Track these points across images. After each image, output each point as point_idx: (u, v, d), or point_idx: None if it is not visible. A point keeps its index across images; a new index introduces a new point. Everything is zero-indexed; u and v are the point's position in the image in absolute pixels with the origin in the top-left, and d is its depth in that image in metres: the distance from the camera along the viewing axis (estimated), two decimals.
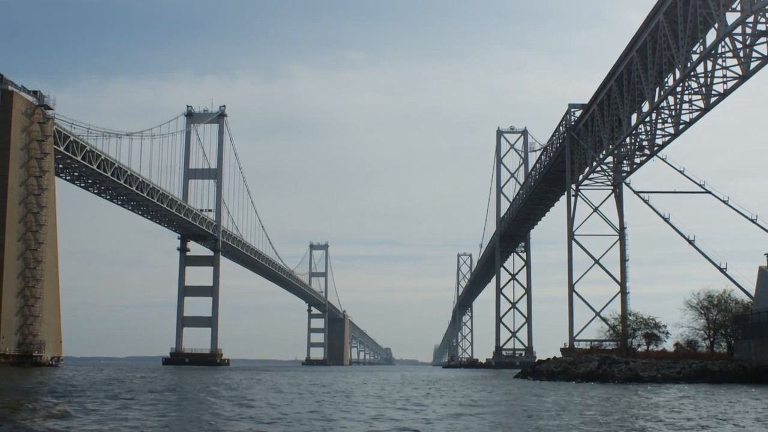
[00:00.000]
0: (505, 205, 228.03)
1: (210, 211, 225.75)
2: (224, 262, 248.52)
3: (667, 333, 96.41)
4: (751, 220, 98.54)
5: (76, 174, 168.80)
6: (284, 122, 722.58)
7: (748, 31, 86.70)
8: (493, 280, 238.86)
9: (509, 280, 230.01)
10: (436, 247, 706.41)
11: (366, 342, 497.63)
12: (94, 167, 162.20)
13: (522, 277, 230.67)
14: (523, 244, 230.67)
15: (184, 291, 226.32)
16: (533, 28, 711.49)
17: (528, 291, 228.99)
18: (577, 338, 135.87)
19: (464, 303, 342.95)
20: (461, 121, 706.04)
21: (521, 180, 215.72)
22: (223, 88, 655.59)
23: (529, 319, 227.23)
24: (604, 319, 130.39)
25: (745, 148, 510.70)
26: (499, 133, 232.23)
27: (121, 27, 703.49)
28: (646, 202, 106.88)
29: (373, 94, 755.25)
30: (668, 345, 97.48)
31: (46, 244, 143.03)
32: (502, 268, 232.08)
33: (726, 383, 69.05)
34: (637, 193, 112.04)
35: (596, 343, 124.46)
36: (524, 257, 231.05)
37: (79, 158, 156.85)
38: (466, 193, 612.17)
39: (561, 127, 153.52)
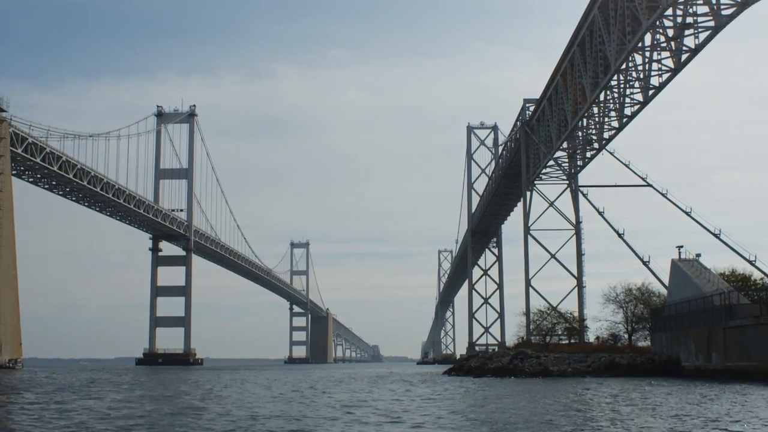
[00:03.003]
0: (476, 202, 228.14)
1: (182, 210, 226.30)
2: (202, 263, 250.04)
3: (587, 327, 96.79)
4: (686, 213, 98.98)
5: (38, 176, 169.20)
6: (269, 121, 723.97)
7: (678, 22, 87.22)
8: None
9: (481, 276, 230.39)
10: (423, 244, 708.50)
11: (352, 340, 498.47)
12: (55, 168, 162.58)
13: (494, 272, 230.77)
14: (495, 239, 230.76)
15: (157, 291, 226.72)
16: (516, 25, 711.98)
17: (500, 286, 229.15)
18: (533, 333, 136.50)
19: (445, 299, 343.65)
20: (446, 117, 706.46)
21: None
22: (207, 88, 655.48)
23: (501, 315, 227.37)
24: (562, 314, 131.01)
25: (726, 142, 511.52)
26: (470, 129, 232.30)
27: (105, 28, 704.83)
28: (584, 196, 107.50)
29: (357, 92, 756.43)
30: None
31: (3, 247, 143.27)
32: (475, 264, 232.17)
33: (634, 376, 69.56)
34: (577, 187, 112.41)
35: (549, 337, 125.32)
36: (496, 253, 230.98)
37: (38, 160, 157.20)
38: (450, 190, 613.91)
39: (518, 122, 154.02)
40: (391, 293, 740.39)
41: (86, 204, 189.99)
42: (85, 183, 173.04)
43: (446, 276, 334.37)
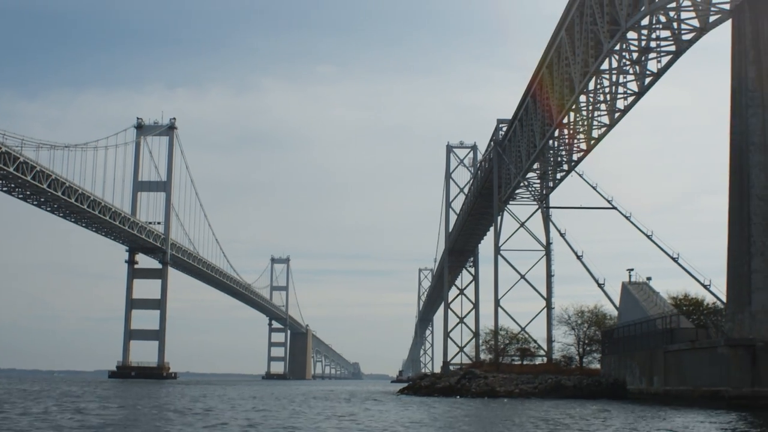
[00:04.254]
0: (454, 221, 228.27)
1: (159, 223, 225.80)
2: (182, 277, 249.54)
3: (538, 348, 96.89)
4: (647, 236, 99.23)
5: (12, 185, 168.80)
6: (254, 135, 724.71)
7: (640, 46, 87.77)
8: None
9: (457, 295, 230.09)
10: (404, 262, 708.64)
11: (332, 356, 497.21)
12: (28, 178, 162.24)
13: (471, 292, 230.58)
14: (472, 259, 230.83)
15: (132, 304, 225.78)
16: (501, 44, 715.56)
17: (476, 306, 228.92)
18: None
19: (424, 318, 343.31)
20: (429, 136, 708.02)
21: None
22: (194, 101, 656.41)
23: (477, 334, 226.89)
24: (528, 333, 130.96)
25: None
26: (449, 148, 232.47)
27: (93, 39, 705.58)
28: (548, 217, 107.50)
29: (343, 109, 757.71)
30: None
31: None
32: (449, 283, 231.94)
33: (580, 398, 69.60)
34: (542, 208, 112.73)
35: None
36: (472, 272, 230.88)
37: (11, 169, 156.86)
38: (431, 208, 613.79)
39: (492, 143, 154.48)
40: (373, 311, 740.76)
41: (61, 215, 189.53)
42: (59, 194, 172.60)
43: (425, 294, 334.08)
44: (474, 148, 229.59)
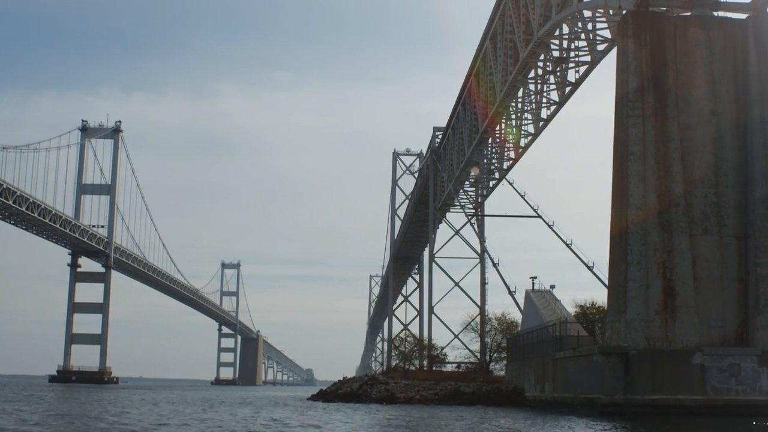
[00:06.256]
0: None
1: (103, 227, 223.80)
2: (130, 281, 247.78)
3: (445, 355, 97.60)
4: (567, 245, 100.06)
5: None
6: (210, 140, 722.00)
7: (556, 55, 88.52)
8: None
9: (401, 302, 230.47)
10: (357, 269, 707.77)
11: (284, 362, 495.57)
12: None
13: (415, 299, 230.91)
14: (417, 266, 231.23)
15: (74, 307, 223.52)
16: (456, 53, 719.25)
17: (420, 313, 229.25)
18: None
19: (375, 325, 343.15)
20: (384, 143, 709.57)
21: None
22: (150, 105, 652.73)
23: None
24: (462, 341, 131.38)
25: None
26: (395, 155, 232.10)
27: (48, 41, 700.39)
28: (471, 225, 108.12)
29: (299, 115, 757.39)
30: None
31: None
32: (395, 290, 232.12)
33: (478, 405, 69.93)
34: (467, 216, 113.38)
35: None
36: (417, 279, 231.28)
37: None
38: (385, 216, 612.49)
39: (429, 150, 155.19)
40: (327, 317, 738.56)
41: (0, 217, 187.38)
42: None
43: (375, 302, 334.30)
44: (420, 155, 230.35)
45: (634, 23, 56.55)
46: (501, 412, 59.51)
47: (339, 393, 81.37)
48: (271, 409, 66.03)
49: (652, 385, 50.97)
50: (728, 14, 58.92)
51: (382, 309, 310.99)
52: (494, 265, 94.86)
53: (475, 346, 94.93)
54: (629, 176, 54.07)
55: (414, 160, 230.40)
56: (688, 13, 58.16)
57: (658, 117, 55.11)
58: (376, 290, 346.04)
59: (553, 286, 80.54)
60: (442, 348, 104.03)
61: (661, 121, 55.08)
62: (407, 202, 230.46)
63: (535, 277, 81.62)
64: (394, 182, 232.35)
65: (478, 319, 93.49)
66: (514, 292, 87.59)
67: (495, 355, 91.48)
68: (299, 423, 47.35)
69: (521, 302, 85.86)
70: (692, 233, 54.41)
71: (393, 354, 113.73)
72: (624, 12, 58.68)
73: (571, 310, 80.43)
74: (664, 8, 58.66)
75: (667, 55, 56.37)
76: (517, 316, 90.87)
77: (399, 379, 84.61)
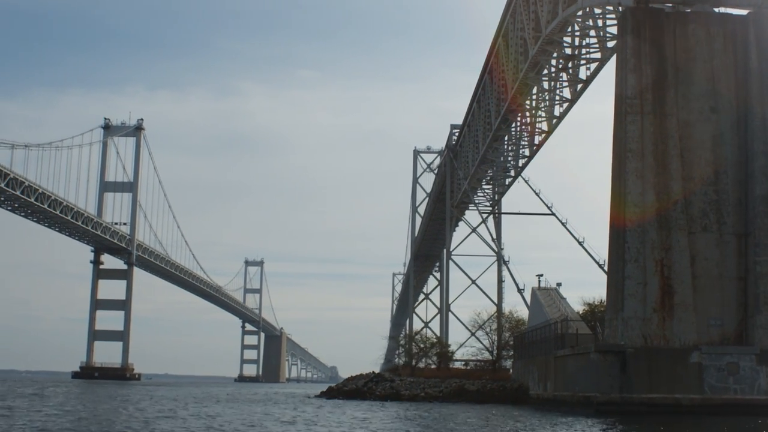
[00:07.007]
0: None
1: (125, 224, 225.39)
2: (154, 279, 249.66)
3: (448, 352, 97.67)
4: (579, 243, 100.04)
5: None
6: (234, 139, 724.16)
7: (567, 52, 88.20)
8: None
9: (422, 300, 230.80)
10: (383, 266, 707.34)
11: (308, 360, 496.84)
12: None
13: (436, 296, 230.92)
14: (438, 264, 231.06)
15: (96, 304, 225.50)
16: (479, 52, 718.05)
17: (441, 311, 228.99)
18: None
19: (397, 322, 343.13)
20: (409, 141, 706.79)
21: None
22: (175, 103, 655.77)
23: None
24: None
25: None
26: (416, 153, 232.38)
27: (74, 40, 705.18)
28: (483, 221, 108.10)
29: (323, 113, 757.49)
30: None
31: None
32: (416, 288, 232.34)
33: (482, 403, 69.83)
34: (481, 214, 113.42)
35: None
36: (438, 276, 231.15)
37: None
38: (407, 213, 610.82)
39: (446, 148, 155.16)
40: (350, 314, 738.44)
41: (23, 214, 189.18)
42: (17, 192, 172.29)
43: (398, 299, 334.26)
44: (441, 153, 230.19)
45: (632, 19, 56.20)
46: (495, 409, 59.41)
47: (344, 390, 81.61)
48: (262, 406, 65.87)
49: (649, 384, 50.67)
50: (729, 10, 58.38)
51: (404, 307, 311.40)
52: (504, 262, 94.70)
53: (482, 344, 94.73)
54: (627, 174, 53.77)
55: (435, 158, 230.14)
56: (688, 10, 57.66)
57: (657, 114, 54.76)
58: (399, 288, 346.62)
59: (559, 284, 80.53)
60: (459, 346, 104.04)
61: (660, 119, 54.72)
62: (427, 199, 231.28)
63: (542, 275, 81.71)
64: (415, 180, 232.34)
65: (485, 317, 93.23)
66: (523, 289, 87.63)
67: (503, 352, 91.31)
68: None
69: (529, 300, 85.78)
70: (691, 231, 54.02)
71: (398, 351, 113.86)
72: (623, 8, 58.35)
73: (580, 308, 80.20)
74: (665, 4, 58.24)
75: (666, 52, 55.97)
76: (526, 313, 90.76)
77: (406, 376, 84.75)
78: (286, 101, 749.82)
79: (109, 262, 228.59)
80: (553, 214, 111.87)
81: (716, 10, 58.20)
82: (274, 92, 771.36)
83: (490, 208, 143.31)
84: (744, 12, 58.23)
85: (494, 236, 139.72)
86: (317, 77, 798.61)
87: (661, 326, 52.31)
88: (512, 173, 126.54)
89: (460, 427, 43.49)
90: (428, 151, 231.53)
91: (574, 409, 54.39)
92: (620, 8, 58.95)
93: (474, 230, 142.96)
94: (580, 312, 76.85)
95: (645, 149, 54.01)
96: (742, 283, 53.99)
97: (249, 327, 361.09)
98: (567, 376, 58.16)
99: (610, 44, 79.80)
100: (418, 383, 77.14)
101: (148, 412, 50.88)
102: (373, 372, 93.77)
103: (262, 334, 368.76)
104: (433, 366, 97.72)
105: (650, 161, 54.05)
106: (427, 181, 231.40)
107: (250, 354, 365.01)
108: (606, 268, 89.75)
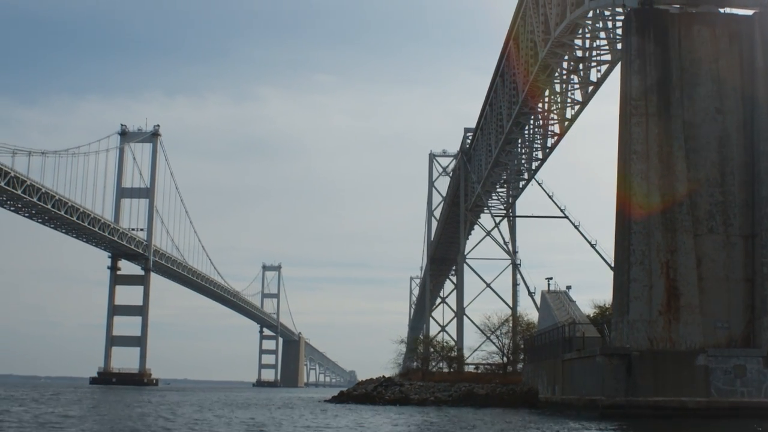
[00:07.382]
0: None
1: (142, 230, 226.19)
2: (172, 284, 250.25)
3: (463, 356, 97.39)
4: (591, 246, 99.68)
5: None
6: (252, 143, 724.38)
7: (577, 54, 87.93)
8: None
9: (439, 303, 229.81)
10: (400, 270, 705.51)
11: (326, 364, 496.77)
12: (2, 184, 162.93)
13: (452, 300, 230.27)
14: (454, 267, 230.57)
15: (114, 310, 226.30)
16: (496, 56, 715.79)
17: (457, 314, 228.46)
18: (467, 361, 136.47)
19: (415, 326, 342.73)
20: (426, 145, 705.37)
21: None
22: (193, 109, 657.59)
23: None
24: (494, 342, 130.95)
25: None
26: (432, 157, 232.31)
27: (92, 46, 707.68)
28: (497, 225, 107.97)
29: (341, 118, 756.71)
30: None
31: None
32: (433, 292, 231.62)
33: (491, 406, 69.60)
34: (494, 218, 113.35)
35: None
36: (454, 280, 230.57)
37: None
38: (423, 217, 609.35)
39: (460, 152, 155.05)
40: (369, 318, 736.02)
41: (40, 221, 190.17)
42: (34, 199, 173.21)
43: (415, 303, 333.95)
44: (456, 156, 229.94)
45: (637, 20, 55.96)
46: (502, 414, 59.13)
47: (354, 395, 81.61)
48: (270, 411, 65.81)
49: (655, 387, 50.31)
50: (734, 11, 58.00)
51: (421, 311, 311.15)
52: (516, 266, 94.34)
53: (492, 347, 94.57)
54: (632, 175, 53.50)
55: (450, 162, 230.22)
56: (694, 10, 57.30)
57: (662, 115, 54.47)
58: (417, 292, 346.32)
59: (569, 287, 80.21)
60: (473, 351, 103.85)
61: (665, 120, 54.42)
62: (443, 203, 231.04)
63: (551, 278, 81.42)
64: (431, 183, 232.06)
65: (496, 320, 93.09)
66: (534, 293, 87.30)
67: (513, 356, 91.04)
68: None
69: (539, 303, 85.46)
70: (697, 233, 53.64)
71: (410, 356, 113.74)
72: (627, 9, 58.07)
73: (590, 311, 79.83)
74: (670, 5, 57.90)
75: (671, 53, 55.67)
76: (537, 317, 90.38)
77: (417, 380, 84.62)
78: (304, 105, 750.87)
79: (127, 267, 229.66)
80: (566, 216, 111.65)
81: (721, 10, 57.85)
82: (291, 97, 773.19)
83: (504, 212, 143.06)
84: (750, 12, 57.84)
85: (507, 239, 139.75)
86: (335, 81, 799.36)
87: (667, 329, 51.94)
88: (525, 176, 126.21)
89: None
90: (444, 154, 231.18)
91: (581, 412, 54.06)
92: (625, 9, 58.61)
93: (488, 234, 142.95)
94: (591, 315, 76.46)
95: (650, 151, 53.71)
96: (749, 285, 53.57)
97: (267, 332, 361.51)
98: (574, 380, 57.84)
99: (620, 46, 79.61)
100: (428, 387, 76.98)
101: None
102: (383, 376, 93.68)
103: (280, 339, 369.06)
104: (445, 370, 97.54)
105: (655, 163, 53.74)
106: (443, 184, 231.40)
107: (269, 359, 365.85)
108: None
